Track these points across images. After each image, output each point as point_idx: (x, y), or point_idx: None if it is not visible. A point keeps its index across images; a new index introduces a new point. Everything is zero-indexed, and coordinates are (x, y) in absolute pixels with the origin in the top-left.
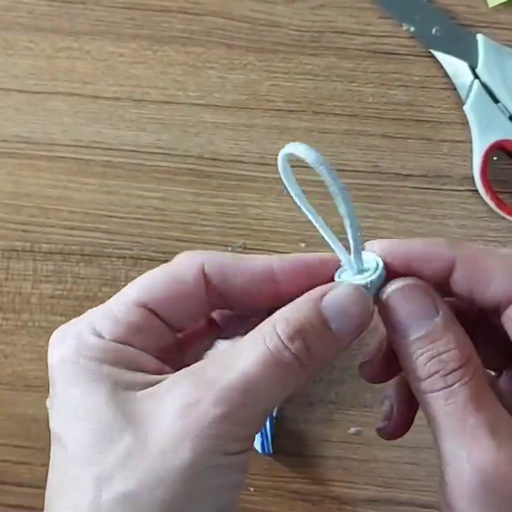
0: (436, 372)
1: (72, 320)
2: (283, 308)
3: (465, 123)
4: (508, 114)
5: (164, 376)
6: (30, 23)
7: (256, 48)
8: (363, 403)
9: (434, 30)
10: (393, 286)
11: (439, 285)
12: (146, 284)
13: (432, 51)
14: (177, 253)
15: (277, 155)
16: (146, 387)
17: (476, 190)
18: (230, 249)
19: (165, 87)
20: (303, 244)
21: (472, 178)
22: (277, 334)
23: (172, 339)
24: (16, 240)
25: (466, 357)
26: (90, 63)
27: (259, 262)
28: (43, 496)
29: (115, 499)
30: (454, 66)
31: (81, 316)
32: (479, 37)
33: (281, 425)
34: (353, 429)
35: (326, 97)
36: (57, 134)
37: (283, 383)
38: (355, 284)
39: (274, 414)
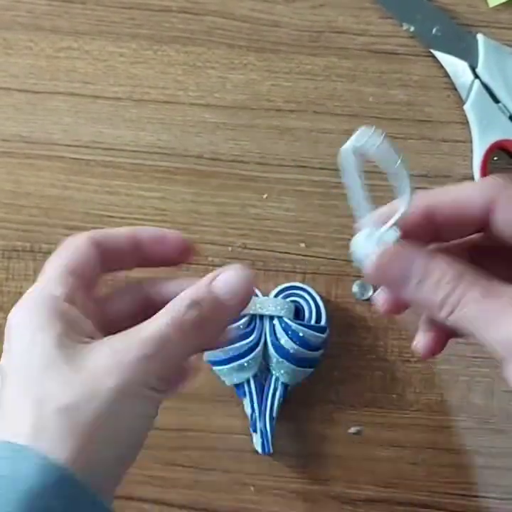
0: (447, 294)
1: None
2: (188, 290)
3: (465, 123)
4: (509, 114)
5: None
6: (30, 22)
7: (256, 47)
8: (363, 403)
9: (434, 30)
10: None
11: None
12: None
13: (432, 51)
14: None
15: (277, 155)
16: (89, 342)
17: None
18: (230, 249)
19: (165, 87)
20: (303, 245)
21: (472, 177)
22: (179, 306)
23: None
24: (17, 240)
25: (459, 272)
26: (90, 63)
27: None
28: None
29: (57, 410)
30: (454, 66)
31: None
32: (479, 37)
33: (281, 425)
34: (353, 429)
35: (326, 96)
36: (58, 133)
37: (187, 339)
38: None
39: (274, 415)
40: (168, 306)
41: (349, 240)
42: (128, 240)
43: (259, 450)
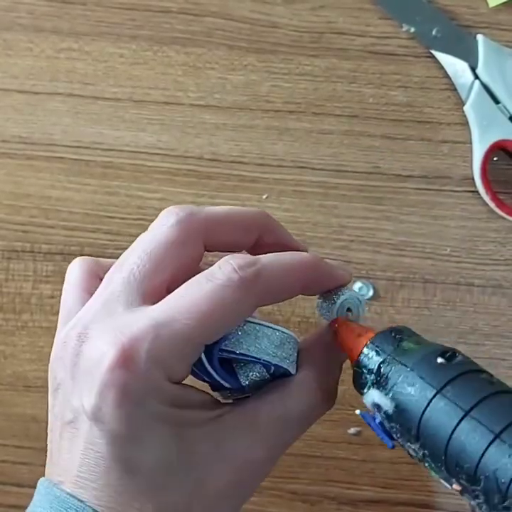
0: None
1: (133, 342)
2: (311, 353)
3: (465, 123)
4: (509, 115)
5: (214, 412)
6: (30, 23)
7: (256, 48)
8: (363, 403)
9: (434, 31)
10: None
11: None
12: (204, 316)
13: (432, 52)
14: None
15: (277, 155)
16: (201, 426)
17: (477, 191)
18: None
19: (165, 88)
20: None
21: (472, 178)
22: (322, 391)
23: None
24: (16, 241)
25: None
26: (90, 64)
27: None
28: None
29: None
30: (454, 66)
31: (146, 341)
32: (479, 37)
33: None
34: (352, 430)
35: (325, 97)
36: (57, 134)
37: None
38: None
39: None
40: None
41: (348, 240)
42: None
43: None
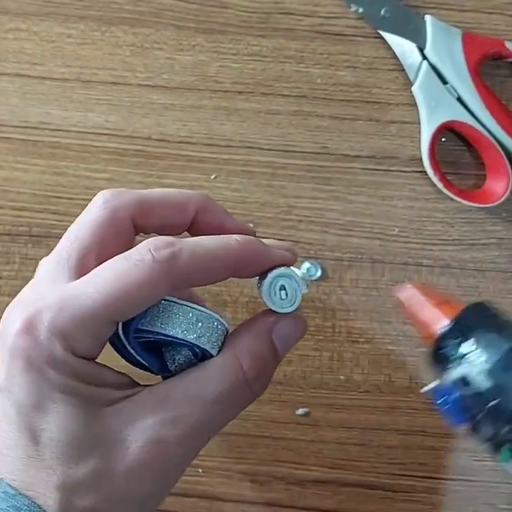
0: None
1: (38, 312)
2: (239, 336)
3: (413, 104)
4: (456, 95)
5: (127, 391)
6: None
7: (204, 29)
8: (311, 384)
9: (382, 11)
10: None
11: None
12: (110, 292)
13: (380, 32)
14: None
15: (225, 136)
16: (112, 404)
17: (425, 172)
18: None
19: (113, 68)
20: (251, 225)
21: (420, 159)
22: (243, 371)
23: None
24: None
25: None
26: (38, 44)
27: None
28: None
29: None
30: (403, 47)
31: (50, 311)
32: (427, 18)
33: None
34: (300, 410)
35: (274, 78)
36: (5, 114)
37: (235, 413)
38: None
39: None
40: (226, 359)
41: (297, 220)
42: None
43: None
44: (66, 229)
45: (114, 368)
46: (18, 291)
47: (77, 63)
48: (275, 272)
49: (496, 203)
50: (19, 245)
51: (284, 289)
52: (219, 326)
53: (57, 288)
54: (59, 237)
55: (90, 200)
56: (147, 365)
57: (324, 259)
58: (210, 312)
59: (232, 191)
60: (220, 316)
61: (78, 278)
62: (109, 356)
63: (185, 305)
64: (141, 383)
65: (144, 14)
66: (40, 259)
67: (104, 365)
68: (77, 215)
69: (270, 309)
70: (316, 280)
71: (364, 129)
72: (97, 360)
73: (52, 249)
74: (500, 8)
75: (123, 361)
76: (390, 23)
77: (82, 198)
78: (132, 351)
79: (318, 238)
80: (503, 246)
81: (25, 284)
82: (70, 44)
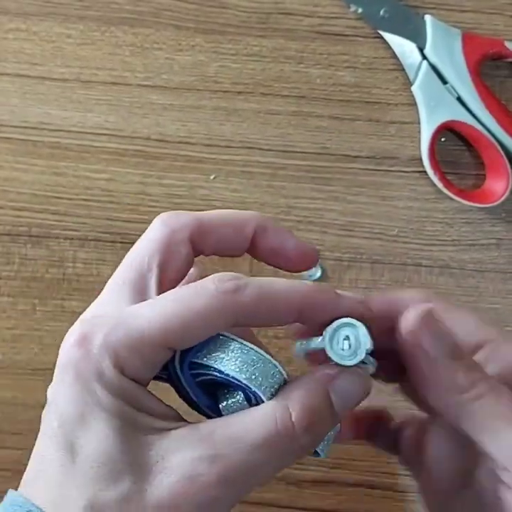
0: (478, 379)
1: (94, 327)
2: (294, 387)
3: (413, 104)
4: (456, 95)
5: (171, 424)
6: None
7: (204, 29)
8: None
9: (382, 12)
10: (410, 320)
11: None
12: (168, 316)
13: (380, 32)
14: (125, 234)
15: (224, 136)
16: (153, 433)
17: (424, 172)
18: None
19: (112, 68)
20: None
21: (420, 159)
22: (291, 420)
23: None
24: None
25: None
26: (38, 44)
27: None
28: None
29: None
30: (402, 47)
31: (106, 327)
32: (427, 18)
33: None
34: None
35: (273, 78)
36: (5, 115)
37: (281, 465)
38: (358, 369)
39: None
40: (270, 406)
41: (296, 220)
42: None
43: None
44: (65, 229)
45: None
46: (18, 291)
47: (77, 63)
48: (342, 319)
49: (495, 203)
50: (19, 245)
51: (348, 339)
52: (276, 374)
53: (117, 308)
54: (59, 237)
55: (90, 200)
56: (197, 401)
57: (324, 259)
58: (269, 357)
59: (231, 192)
60: (279, 364)
61: (139, 301)
62: (161, 390)
63: (243, 343)
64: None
65: (144, 14)
66: (40, 260)
67: (152, 394)
68: (77, 215)
69: (331, 361)
70: (315, 280)
71: (364, 129)
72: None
73: (52, 250)
74: (500, 9)
75: (173, 397)
76: (390, 23)
77: (81, 198)
78: (185, 384)
79: (317, 238)
80: (502, 246)
81: (25, 284)
82: (69, 44)
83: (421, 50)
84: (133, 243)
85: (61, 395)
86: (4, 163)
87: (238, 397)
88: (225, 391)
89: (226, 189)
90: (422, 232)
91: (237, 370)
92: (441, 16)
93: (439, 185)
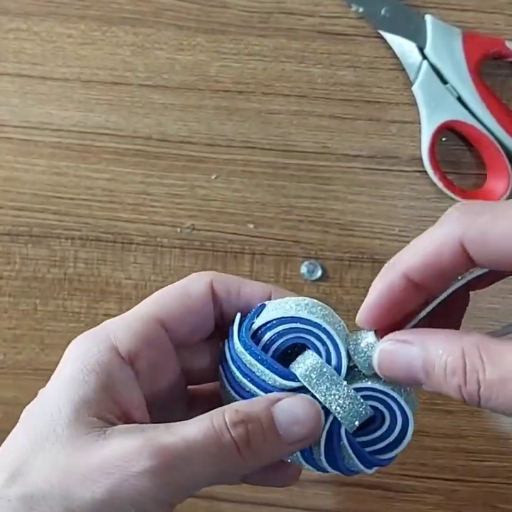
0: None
1: (95, 328)
2: (239, 402)
3: (413, 104)
4: (457, 95)
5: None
6: None
7: (205, 28)
8: None
9: (382, 11)
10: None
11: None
12: (161, 299)
13: (380, 32)
14: (126, 234)
15: (226, 135)
16: (99, 423)
17: (425, 171)
18: (178, 230)
19: (113, 68)
20: (251, 225)
21: (421, 158)
22: (224, 416)
23: (173, 361)
24: None
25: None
26: (39, 44)
27: (258, 288)
28: None
29: (23, 497)
30: (403, 47)
31: (102, 325)
32: (428, 17)
33: None
34: None
35: (274, 78)
36: (6, 114)
37: (217, 463)
38: (311, 398)
39: None
40: (210, 413)
41: (297, 220)
42: None
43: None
44: (66, 229)
45: None
46: (19, 291)
47: (78, 63)
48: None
49: None
50: (19, 245)
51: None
52: (340, 324)
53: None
54: (59, 237)
55: (91, 200)
56: (271, 371)
57: (325, 259)
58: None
59: (232, 191)
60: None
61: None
62: None
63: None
64: None
65: (145, 14)
66: (41, 259)
67: (138, 387)
68: (77, 215)
69: None
70: (316, 280)
71: (364, 129)
72: None
73: (53, 249)
74: (501, 8)
75: None
76: (391, 23)
77: (82, 198)
78: (251, 357)
79: (318, 238)
80: None
81: (26, 284)
82: (70, 44)
83: (421, 49)
84: (133, 243)
85: (60, 365)
86: (5, 163)
87: (311, 357)
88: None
89: (227, 189)
90: (422, 232)
91: (307, 312)
92: (441, 15)
93: (440, 184)
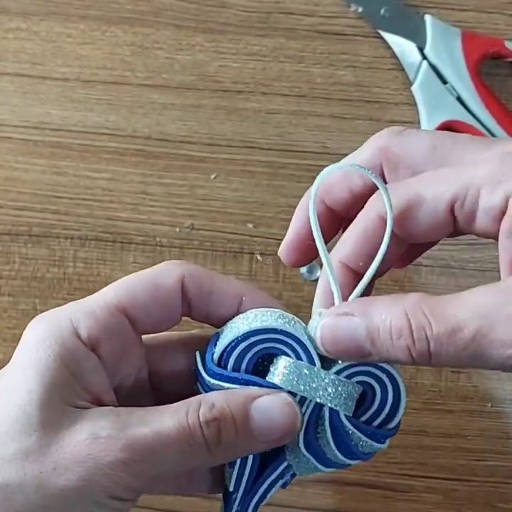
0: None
1: (55, 310)
2: (218, 393)
3: (413, 103)
4: (456, 95)
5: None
6: None
7: (204, 28)
8: None
9: (382, 11)
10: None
11: None
12: (128, 288)
13: (380, 32)
14: (125, 234)
15: (225, 135)
16: (77, 404)
17: None
18: (178, 229)
19: (113, 68)
20: (251, 225)
21: None
22: (198, 413)
23: (137, 349)
24: None
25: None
26: (38, 44)
27: (232, 288)
28: None
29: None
30: (402, 47)
31: (63, 307)
32: (427, 17)
33: None
34: None
35: (274, 77)
36: (5, 114)
37: (187, 457)
38: (289, 398)
39: (261, 504)
40: (188, 401)
41: None
42: None
43: None
44: (66, 229)
45: None
46: (19, 291)
47: (78, 63)
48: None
49: None
50: (19, 245)
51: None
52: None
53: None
54: (59, 236)
55: (91, 199)
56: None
57: None
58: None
59: (232, 191)
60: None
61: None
62: None
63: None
64: None
65: (144, 14)
66: (41, 259)
67: (103, 372)
68: (77, 215)
69: None
70: (316, 280)
71: (364, 129)
72: None
73: (52, 249)
74: (500, 8)
75: None
76: (390, 23)
77: (82, 197)
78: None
79: None
80: None
81: (26, 284)
82: (70, 44)
83: (421, 49)
84: (132, 243)
85: (20, 348)
86: (4, 162)
87: (282, 362)
88: (265, 365)
89: (227, 188)
90: None
91: (259, 322)
92: (441, 15)
93: None
